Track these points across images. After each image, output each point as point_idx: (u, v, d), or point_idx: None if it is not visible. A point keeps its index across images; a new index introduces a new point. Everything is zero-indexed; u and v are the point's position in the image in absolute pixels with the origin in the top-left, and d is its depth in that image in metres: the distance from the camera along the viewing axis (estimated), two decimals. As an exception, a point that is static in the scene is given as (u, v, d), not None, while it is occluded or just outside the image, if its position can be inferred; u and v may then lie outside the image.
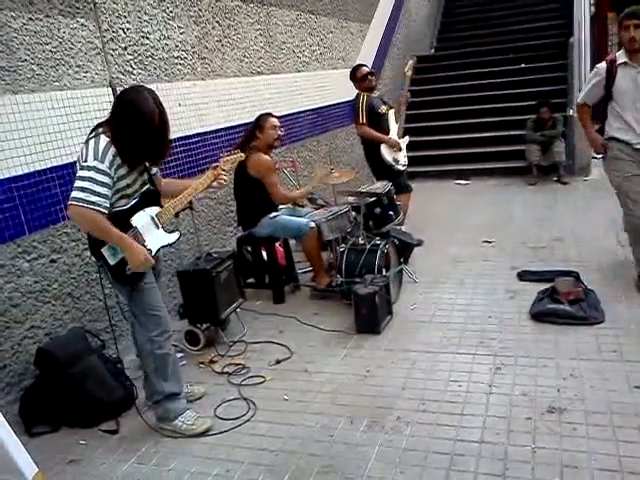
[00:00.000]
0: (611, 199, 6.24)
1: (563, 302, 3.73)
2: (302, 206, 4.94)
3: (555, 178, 7.52)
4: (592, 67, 7.82)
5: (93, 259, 2.85)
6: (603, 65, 3.97)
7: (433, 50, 11.65)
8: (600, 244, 5.00)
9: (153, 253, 2.79)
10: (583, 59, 7.91)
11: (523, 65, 9.46)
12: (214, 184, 3.03)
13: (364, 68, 5.47)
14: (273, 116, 4.50)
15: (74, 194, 2.53)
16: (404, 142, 5.44)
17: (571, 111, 7.73)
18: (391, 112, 5.42)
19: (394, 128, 5.37)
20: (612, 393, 2.86)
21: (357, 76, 5.39)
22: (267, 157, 4.35)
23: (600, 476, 2.32)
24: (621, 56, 3.91)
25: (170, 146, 2.81)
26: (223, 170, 3.03)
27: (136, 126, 2.58)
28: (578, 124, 7.50)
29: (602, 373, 3.05)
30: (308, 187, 4.69)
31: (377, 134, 5.24)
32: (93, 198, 2.52)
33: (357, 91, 5.40)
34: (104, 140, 2.59)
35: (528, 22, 10.76)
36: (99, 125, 2.68)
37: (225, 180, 3.06)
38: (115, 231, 2.62)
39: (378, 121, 5.28)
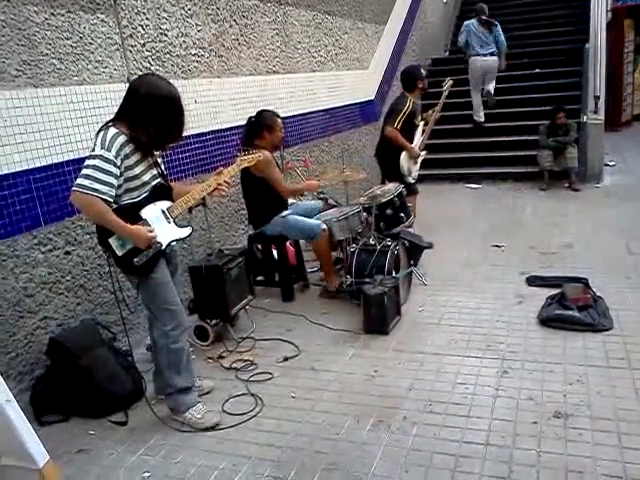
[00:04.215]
0: (621, 207, 6.28)
1: (572, 308, 3.73)
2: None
3: (566, 184, 7.51)
4: (607, 74, 7.82)
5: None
6: None
7: (448, 53, 11.64)
8: (610, 251, 4.99)
9: (163, 246, 2.82)
10: (598, 66, 7.90)
11: (537, 70, 9.44)
12: (215, 193, 3.07)
13: (422, 70, 5.55)
14: (278, 116, 4.50)
15: (78, 181, 2.57)
16: (421, 156, 5.49)
17: (585, 117, 7.72)
18: (421, 124, 5.47)
19: (418, 140, 5.42)
20: (619, 400, 2.87)
21: (420, 75, 5.42)
22: (265, 151, 4.23)
23: (604, 482, 2.33)
24: None
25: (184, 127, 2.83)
26: (225, 182, 3.06)
27: (161, 105, 2.66)
28: (592, 131, 7.55)
29: (609, 380, 3.05)
30: (314, 182, 4.70)
31: (404, 141, 5.28)
32: (96, 185, 2.55)
33: (403, 93, 5.46)
34: (112, 130, 2.63)
35: (543, 27, 10.71)
36: (109, 121, 2.73)
37: (226, 191, 3.09)
38: (114, 218, 2.63)
39: (410, 129, 5.32)
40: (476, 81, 8.60)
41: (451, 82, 5.92)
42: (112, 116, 2.77)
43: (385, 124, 5.38)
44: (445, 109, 9.15)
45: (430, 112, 5.78)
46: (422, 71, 5.54)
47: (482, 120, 8.85)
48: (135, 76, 3.87)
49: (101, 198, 2.57)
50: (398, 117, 5.25)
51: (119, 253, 2.73)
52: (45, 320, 3.34)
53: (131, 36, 3.91)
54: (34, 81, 3.24)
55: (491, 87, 8.65)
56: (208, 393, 3.26)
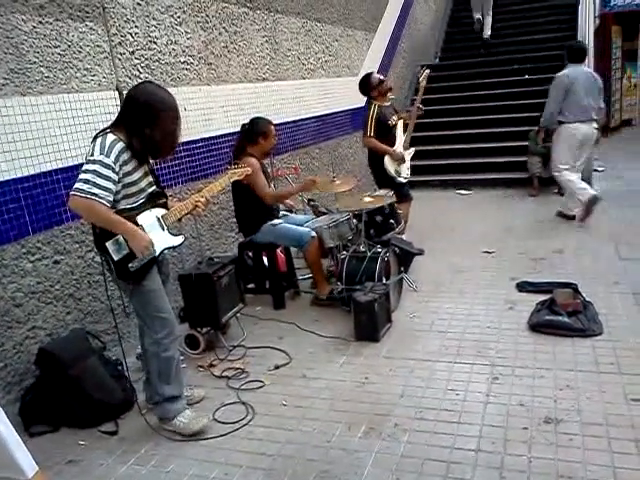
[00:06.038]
0: (610, 212, 6.31)
1: (562, 314, 3.74)
2: (292, 211, 4.94)
3: (556, 190, 7.54)
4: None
5: (97, 259, 2.88)
6: None
7: (437, 60, 11.71)
8: (599, 256, 5.02)
9: (157, 253, 2.82)
10: (586, 72, 7.95)
11: (527, 76, 9.50)
12: (193, 212, 3.04)
13: (375, 74, 5.52)
14: (271, 123, 4.51)
15: (76, 185, 2.57)
16: (409, 154, 5.46)
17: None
18: (400, 123, 5.45)
19: (400, 140, 5.40)
20: (608, 405, 2.88)
21: (372, 83, 5.38)
22: (252, 159, 4.28)
23: (595, 487, 2.34)
24: None
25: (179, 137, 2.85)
26: (199, 201, 3.02)
27: (160, 114, 2.68)
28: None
29: (599, 385, 3.06)
30: (299, 186, 4.66)
31: (382, 146, 5.26)
32: (95, 190, 2.55)
33: (369, 99, 5.43)
34: (111, 137, 2.64)
35: (533, 33, 10.81)
36: (106, 128, 2.73)
37: (200, 211, 3.06)
38: (116, 217, 2.65)
39: (386, 132, 5.31)
40: (476, 7, 10.86)
41: (428, 71, 5.90)
42: (101, 124, 2.77)
43: (363, 135, 5.41)
44: (436, 116, 9.30)
45: (405, 114, 5.77)
46: (376, 76, 5.48)
47: (486, 36, 10.87)
48: (124, 84, 3.88)
49: (100, 203, 2.57)
50: (368, 125, 5.27)
51: (115, 258, 2.72)
52: (34, 330, 3.32)
53: (120, 44, 3.91)
54: (22, 89, 3.23)
55: (488, 21, 10.77)
56: (199, 402, 3.25)
